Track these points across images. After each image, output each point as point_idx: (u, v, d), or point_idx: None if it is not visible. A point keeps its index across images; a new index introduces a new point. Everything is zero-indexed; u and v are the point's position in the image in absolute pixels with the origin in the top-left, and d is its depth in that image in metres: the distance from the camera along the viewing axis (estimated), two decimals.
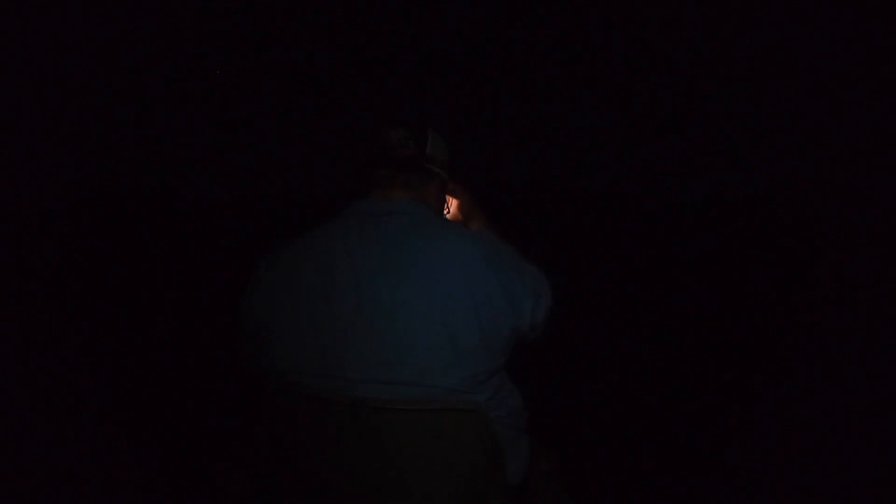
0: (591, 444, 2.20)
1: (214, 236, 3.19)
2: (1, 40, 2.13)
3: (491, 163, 2.87)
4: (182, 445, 2.06)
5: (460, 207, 1.56)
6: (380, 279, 1.23)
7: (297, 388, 1.25)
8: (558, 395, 2.37)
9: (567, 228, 2.84)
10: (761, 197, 2.68)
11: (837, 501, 1.75)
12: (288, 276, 1.30)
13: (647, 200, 2.89)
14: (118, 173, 2.67)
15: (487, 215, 1.56)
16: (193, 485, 1.77)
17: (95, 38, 2.28)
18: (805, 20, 2.11)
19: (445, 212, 1.55)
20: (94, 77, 2.42)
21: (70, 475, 1.91)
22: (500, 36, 2.64)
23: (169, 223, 2.94)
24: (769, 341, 2.38)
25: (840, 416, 1.96)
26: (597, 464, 2.12)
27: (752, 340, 2.43)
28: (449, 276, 1.24)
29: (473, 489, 1.26)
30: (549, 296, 1.36)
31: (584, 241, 2.82)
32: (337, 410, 1.21)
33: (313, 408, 1.23)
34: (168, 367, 2.41)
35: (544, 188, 3.17)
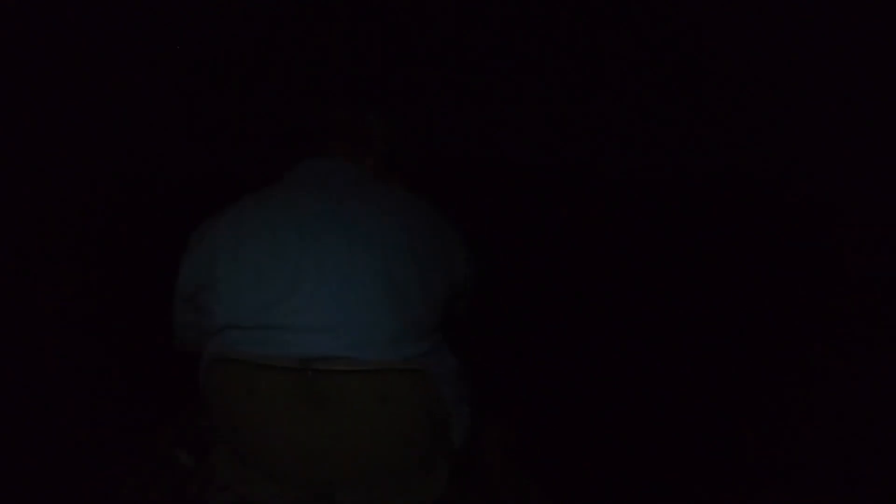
0: (553, 421, 2.20)
1: None
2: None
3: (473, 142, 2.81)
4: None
5: None
6: (323, 232, 1.24)
7: (239, 349, 1.23)
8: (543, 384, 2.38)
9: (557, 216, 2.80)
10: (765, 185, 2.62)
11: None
12: (232, 230, 1.29)
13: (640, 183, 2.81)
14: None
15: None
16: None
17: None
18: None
19: None
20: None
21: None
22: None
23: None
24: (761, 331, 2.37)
25: (834, 415, 1.98)
26: (553, 438, 2.12)
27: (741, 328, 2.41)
28: (390, 229, 1.26)
29: (420, 451, 1.28)
30: (474, 264, 1.40)
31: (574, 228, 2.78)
32: (279, 374, 1.20)
33: (255, 371, 1.22)
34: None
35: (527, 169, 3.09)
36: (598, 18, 2.43)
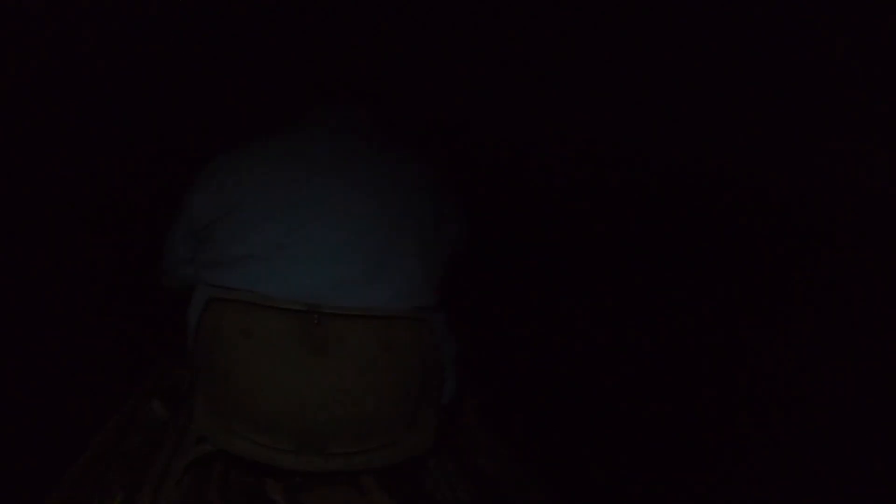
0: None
1: None
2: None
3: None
4: None
5: None
6: (335, 177, 1.25)
7: (242, 285, 1.22)
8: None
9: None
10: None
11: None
12: (248, 164, 1.28)
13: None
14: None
15: None
16: None
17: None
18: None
19: None
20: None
21: None
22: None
23: None
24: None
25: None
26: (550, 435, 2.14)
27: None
28: (396, 183, 1.28)
29: (413, 403, 1.30)
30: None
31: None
32: (283, 316, 1.20)
33: (258, 312, 1.21)
34: None
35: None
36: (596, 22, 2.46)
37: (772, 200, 2.35)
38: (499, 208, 2.59)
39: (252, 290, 1.21)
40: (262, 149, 1.30)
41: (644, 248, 2.58)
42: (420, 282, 1.27)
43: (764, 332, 2.30)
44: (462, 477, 1.41)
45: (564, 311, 2.53)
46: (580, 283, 2.58)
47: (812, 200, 2.27)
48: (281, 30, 2.23)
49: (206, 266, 1.27)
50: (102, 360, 2.11)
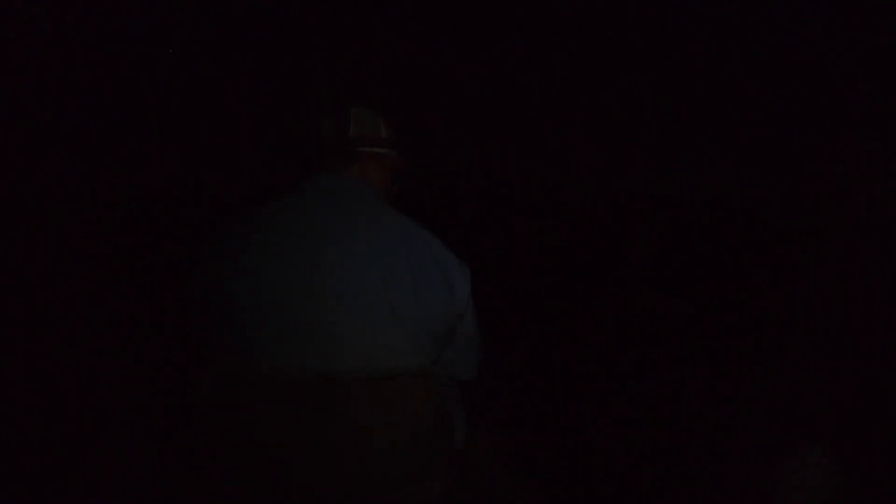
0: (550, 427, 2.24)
1: None
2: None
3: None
4: None
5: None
6: (324, 252, 1.26)
7: (243, 362, 1.24)
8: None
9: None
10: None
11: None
12: (239, 244, 1.31)
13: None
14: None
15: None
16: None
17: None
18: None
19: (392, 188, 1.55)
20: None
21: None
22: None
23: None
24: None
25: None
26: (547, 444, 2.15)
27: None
28: (391, 251, 1.27)
29: (426, 455, 1.31)
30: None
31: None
32: (295, 388, 1.22)
33: (261, 384, 1.24)
34: None
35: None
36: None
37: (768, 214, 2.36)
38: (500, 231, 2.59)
39: (264, 363, 1.24)
40: (253, 230, 1.33)
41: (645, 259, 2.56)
42: (420, 343, 1.28)
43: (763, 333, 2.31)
44: None
45: (566, 331, 2.52)
46: (578, 303, 2.57)
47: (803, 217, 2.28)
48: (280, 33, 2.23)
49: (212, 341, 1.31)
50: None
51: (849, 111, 2.25)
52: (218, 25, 2.20)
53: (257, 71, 2.36)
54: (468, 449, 1.50)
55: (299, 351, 1.22)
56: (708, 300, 2.50)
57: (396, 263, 1.26)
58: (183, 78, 2.37)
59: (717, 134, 2.51)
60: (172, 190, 2.56)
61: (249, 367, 1.24)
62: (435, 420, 1.29)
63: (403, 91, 2.37)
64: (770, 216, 2.49)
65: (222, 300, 1.29)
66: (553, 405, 2.31)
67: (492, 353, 2.33)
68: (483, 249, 2.47)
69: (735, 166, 2.57)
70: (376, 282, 1.24)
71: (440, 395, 1.29)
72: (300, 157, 1.45)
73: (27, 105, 2.10)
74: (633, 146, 2.56)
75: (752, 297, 2.46)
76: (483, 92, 2.58)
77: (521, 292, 2.63)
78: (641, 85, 2.53)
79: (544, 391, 2.38)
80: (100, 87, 2.25)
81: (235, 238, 1.32)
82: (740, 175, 2.51)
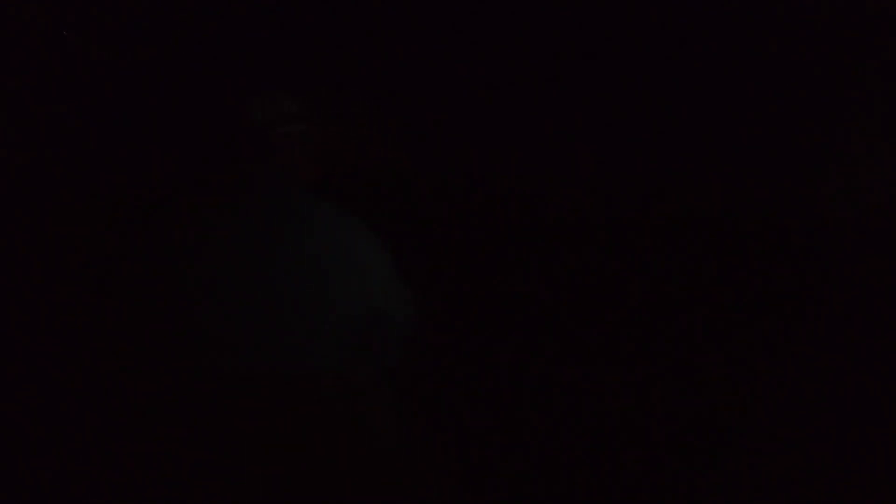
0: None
1: None
2: None
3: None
4: None
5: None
6: (243, 257, 1.32)
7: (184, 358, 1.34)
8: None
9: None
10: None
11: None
12: (184, 251, 1.38)
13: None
14: None
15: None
16: None
17: None
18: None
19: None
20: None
21: None
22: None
23: None
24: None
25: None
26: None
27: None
28: (310, 253, 1.31)
29: (347, 456, 1.34)
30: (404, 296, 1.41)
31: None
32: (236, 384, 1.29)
33: (192, 378, 1.32)
34: None
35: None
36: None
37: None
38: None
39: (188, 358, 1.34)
40: (194, 239, 1.39)
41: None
42: (334, 343, 1.32)
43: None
44: None
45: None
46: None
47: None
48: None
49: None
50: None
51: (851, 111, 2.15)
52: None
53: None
54: (404, 456, 1.50)
55: (216, 350, 1.30)
56: (708, 298, 2.44)
57: (308, 262, 1.29)
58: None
59: (715, 133, 2.41)
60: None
61: (186, 362, 1.34)
62: (351, 423, 1.32)
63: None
64: (770, 216, 2.39)
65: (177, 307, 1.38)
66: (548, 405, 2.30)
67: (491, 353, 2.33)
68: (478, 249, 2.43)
69: (735, 166, 2.46)
70: (288, 281, 1.29)
71: (353, 395, 1.32)
72: (227, 154, 1.46)
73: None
74: (631, 145, 2.48)
75: (753, 295, 2.40)
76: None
77: (518, 294, 2.58)
78: (641, 84, 2.45)
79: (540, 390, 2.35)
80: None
81: (182, 244, 1.40)
82: (740, 175, 2.41)
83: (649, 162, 2.48)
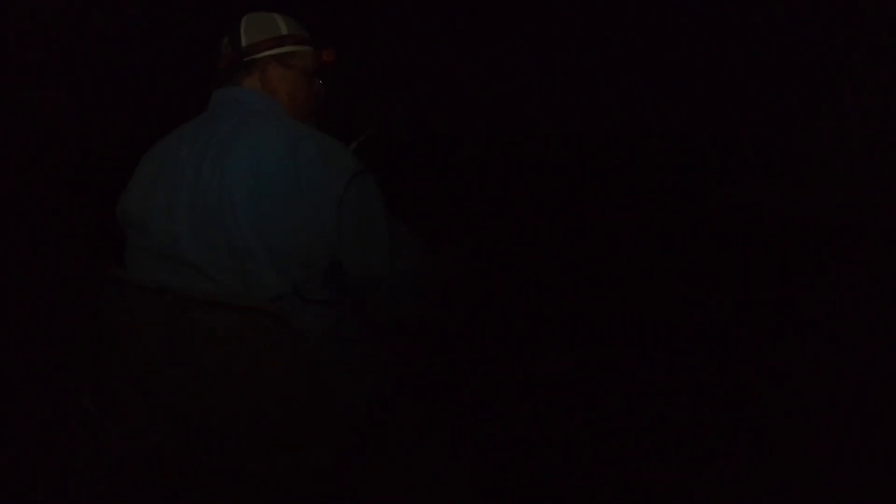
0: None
1: None
2: None
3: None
4: None
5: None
6: (201, 171, 1.21)
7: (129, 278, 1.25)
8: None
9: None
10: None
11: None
12: (142, 169, 1.32)
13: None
14: None
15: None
16: None
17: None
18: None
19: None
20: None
21: None
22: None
23: None
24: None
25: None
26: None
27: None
28: (258, 170, 1.19)
29: (293, 407, 1.20)
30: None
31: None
32: (153, 299, 1.18)
33: (134, 298, 1.21)
34: None
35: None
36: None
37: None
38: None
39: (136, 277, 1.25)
40: (153, 156, 1.33)
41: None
42: (284, 280, 1.18)
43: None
44: None
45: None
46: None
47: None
48: None
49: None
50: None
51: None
52: None
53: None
54: (387, 420, 1.38)
55: (165, 270, 1.22)
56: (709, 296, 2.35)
57: (266, 178, 1.18)
58: None
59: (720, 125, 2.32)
60: None
61: (131, 282, 1.24)
62: (296, 372, 1.16)
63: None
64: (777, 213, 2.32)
65: (124, 220, 1.32)
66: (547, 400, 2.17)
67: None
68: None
69: (741, 163, 2.39)
70: (242, 201, 1.17)
71: (302, 345, 1.15)
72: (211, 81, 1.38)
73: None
74: (636, 138, 2.38)
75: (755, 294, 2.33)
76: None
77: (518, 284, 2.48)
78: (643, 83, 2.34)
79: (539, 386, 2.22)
80: None
81: (144, 163, 1.33)
82: (746, 171, 2.33)
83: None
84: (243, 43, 1.33)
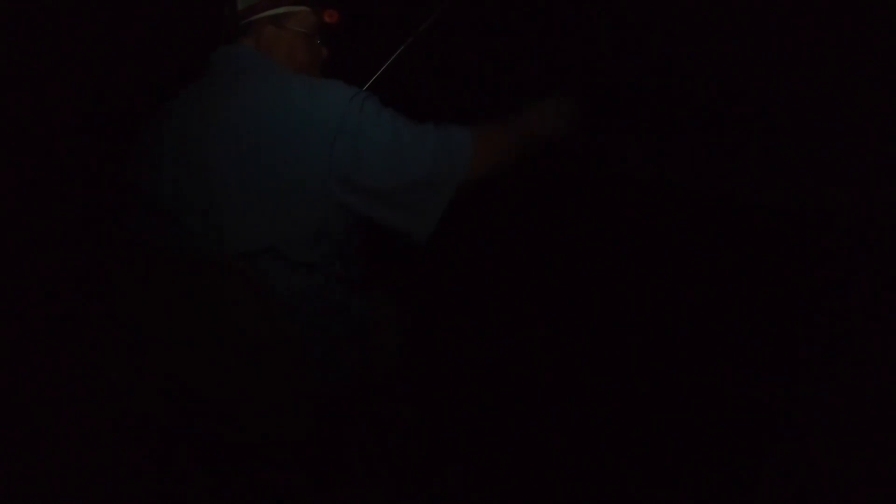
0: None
1: None
2: None
3: None
4: None
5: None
6: (196, 132, 1.19)
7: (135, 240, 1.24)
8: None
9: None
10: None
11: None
12: (145, 133, 1.30)
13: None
14: None
15: None
16: None
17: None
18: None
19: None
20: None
21: None
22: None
23: None
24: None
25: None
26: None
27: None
28: (244, 122, 1.15)
29: (261, 371, 1.16)
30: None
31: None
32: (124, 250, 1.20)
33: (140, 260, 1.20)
34: None
35: None
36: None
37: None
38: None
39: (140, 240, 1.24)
40: (155, 120, 1.30)
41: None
42: (262, 240, 1.14)
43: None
44: None
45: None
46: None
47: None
48: None
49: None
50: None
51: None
52: None
53: None
54: (364, 408, 1.33)
55: (150, 224, 1.21)
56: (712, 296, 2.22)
57: (252, 129, 1.14)
58: None
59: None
60: None
61: (137, 245, 1.24)
62: (264, 334, 1.11)
63: None
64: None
65: (129, 184, 1.29)
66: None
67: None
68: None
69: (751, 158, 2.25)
70: (227, 154, 1.15)
71: (270, 306, 1.11)
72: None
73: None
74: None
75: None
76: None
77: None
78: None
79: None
80: None
81: (146, 128, 1.31)
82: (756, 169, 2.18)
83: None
84: (240, 6, 1.32)
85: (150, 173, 1.23)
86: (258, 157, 1.13)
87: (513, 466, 1.82)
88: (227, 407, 1.21)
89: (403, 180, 1.16)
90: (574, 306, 2.26)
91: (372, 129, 1.14)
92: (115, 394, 1.32)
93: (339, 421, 1.30)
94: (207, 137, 1.16)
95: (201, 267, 1.10)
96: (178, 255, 1.13)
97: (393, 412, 1.40)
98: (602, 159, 1.92)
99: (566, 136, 1.40)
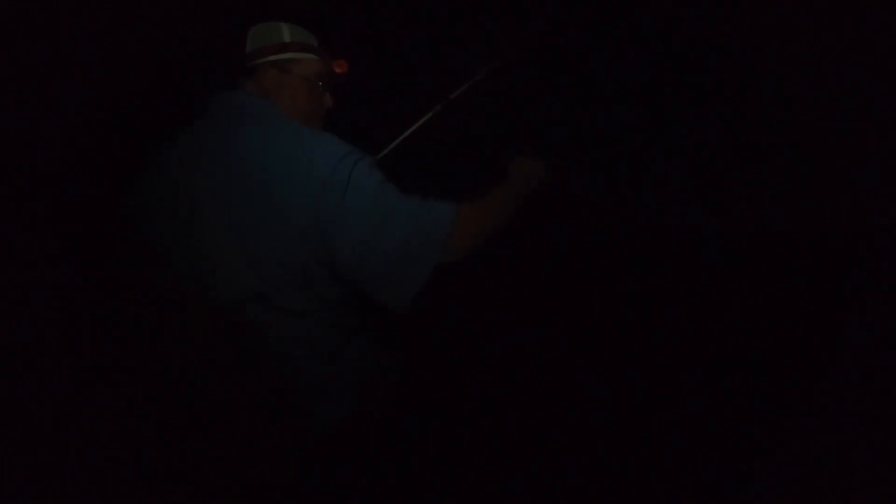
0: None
1: None
2: None
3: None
4: None
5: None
6: (185, 172, 1.23)
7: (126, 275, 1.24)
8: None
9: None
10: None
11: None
12: (145, 172, 1.33)
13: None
14: None
15: None
16: None
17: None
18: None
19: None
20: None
21: None
22: None
23: None
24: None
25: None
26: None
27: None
28: (234, 168, 1.18)
29: (244, 416, 1.14)
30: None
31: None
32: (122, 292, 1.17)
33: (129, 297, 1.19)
34: None
35: None
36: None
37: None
38: None
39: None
40: (155, 158, 1.32)
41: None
42: (254, 285, 1.16)
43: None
44: None
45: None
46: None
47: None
48: None
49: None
50: None
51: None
52: None
53: None
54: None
55: (159, 271, 1.22)
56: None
57: (242, 176, 1.17)
58: None
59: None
60: None
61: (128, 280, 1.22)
62: (245, 376, 1.12)
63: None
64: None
65: (125, 222, 1.32)
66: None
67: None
68: None
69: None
70: (217, 200, 1.17)
71: (256, 347, 1.11)
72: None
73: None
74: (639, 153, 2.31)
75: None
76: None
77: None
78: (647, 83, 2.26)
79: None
80: None
81: (143, 167, 1.34)
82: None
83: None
84: (248, 48, 1.35)
85: (144, 214, 1.26)
86: (247, 202, 1.15)
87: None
88: (215, 450, 1.21)
89: (379, 246, 1.16)
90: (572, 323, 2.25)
91: (360, 188, 1.16)
92: (101, 429, 1.32)
93: (332, 463, 1.29)
94: (199, 181, 1.19)
95: (191, 311, 1.11)
96: (169, 296, 1.14)
97: (387, 452, 1.40)
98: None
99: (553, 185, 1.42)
